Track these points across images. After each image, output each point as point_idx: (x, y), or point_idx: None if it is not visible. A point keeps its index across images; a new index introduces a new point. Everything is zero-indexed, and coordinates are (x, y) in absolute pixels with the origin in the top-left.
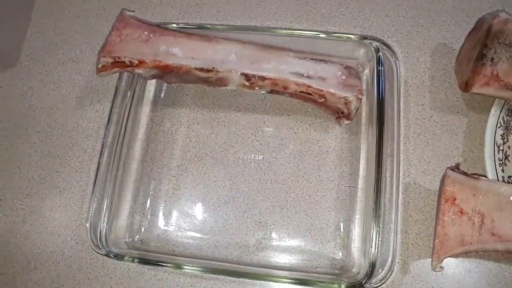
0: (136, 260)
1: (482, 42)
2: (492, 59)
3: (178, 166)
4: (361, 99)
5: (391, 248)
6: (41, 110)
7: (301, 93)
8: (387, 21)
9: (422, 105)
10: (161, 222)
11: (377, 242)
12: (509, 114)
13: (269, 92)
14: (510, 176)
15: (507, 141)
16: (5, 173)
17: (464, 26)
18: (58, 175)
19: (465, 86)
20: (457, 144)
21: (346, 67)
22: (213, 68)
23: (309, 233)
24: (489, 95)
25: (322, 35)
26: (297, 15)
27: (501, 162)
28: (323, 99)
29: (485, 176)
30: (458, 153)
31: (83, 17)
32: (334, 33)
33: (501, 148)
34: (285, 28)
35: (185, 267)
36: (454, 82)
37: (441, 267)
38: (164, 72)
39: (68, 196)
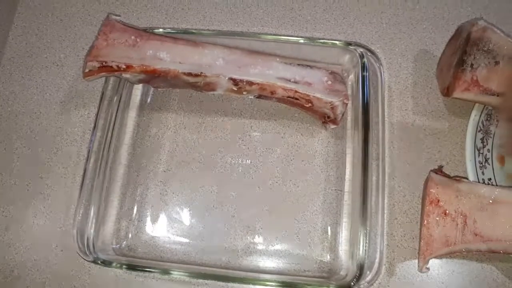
0: (124, 266)
1: (462, 48)
2: (472, 65)
3: (165, 171)
4: (346, 104)
5: (378, 250)
6: (23, 115)
7: (288, 98)
8: (371, 28)
9: (405, 110)
10: (148, 228)
11: (364, 244)
12: (488, 119)
13: (256, 97)
14: (490, 178)
15: (487, 144)
16: None
17: (444, 33)
18: (42, 181)
19: (447, 91)
20: (439, 148)
21: (332, 73)
22: (201, 73)
23: (297, 236)
24: (470, 100)
25: (307, 41)
26: (283, 21)
27: (481, 165)
28: (309, 104)
29: (467, 178)
30: (441, 157)
31: (67, 21)
32: (319, 39)
33: (481, 151)
34: (271, 34)
35: (173, 272)
36: (435, 88)
37: (427, 268)
38: (151, 77)
39: (53, 203)
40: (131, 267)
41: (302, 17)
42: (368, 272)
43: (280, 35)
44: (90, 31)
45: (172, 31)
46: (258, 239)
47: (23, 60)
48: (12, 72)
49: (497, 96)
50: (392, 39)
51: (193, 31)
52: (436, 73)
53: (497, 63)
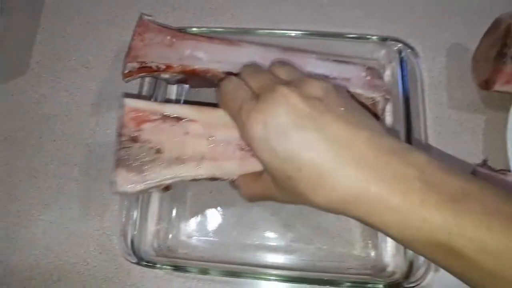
0: (168, 267)
1: (502, 41)
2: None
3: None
4: (388, 99)
5: None
6: (55, 118)
7: None
8: (402, 23)
9: (440, 104)
10: (188, 228)
11: None
12: None
13: None
14: None
15: None
16: (21, 183)
17: (477, 26)
18: (77, 184)
19: (486, 85)
20: (477, 142)
21: (369, 68)
22: None
23: (338, 234)
24: (510, 92)
25: (342, 37)
26: (312, 18)
27: None
28: None
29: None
30: (479, 151)
31: (93, 23)
32: (355, 34)
33: None
34: (305, 30)
35: (215, 272)
36: (470, 81)
37: None
38: (190, 77)
39: (88, 205)
40: (176, 268)
41: (331, 13)
42: (417, 269)
43: (314, 31)
44: (117, 32)
45: (206, 31)
46: (298, 237)
47: (52, 63)
48: (41, 75)
49: None
50: (424, 33)
51: (224, 30)
52: (472, 66)
53: None
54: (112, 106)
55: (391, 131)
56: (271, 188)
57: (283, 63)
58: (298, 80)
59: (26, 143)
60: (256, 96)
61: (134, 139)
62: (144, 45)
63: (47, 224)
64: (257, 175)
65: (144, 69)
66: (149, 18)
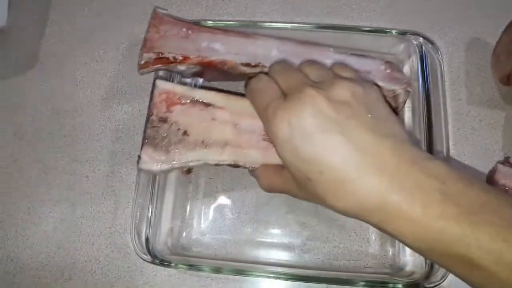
0: (183, 266)
1: None
2: None
3: (215, 167)
4: (409, 92)
5: None
6: (65, 113)
7: None
8: (419, 16)
9: (459, 100)
10: (201, 226)
11: None
12: None
13: None
14: None
15: None
16: (31, 179)
17: (496, 20)
18: (88, 181)
19: (507, 80)
20: (497, 138)
21: (387, 62)
22: (259, 63)
23: (354, 232)
24: None
25: (360, 30)
26: (327, 11)
27: None
28: None
29: None
30: (499, 147)
31: (104, 16)
32: (374, 28)
33: None
34: (320, 24)
35: (230, 271)
36: (489, 77)
37: None
38: (206, 69)
39: (100, 202)
40: (190, 267)
41: (347, 6)
42: (438, 268)
43: (332, 25)
44: (128, 25)
45: (221, 24)
46: (314, 235)
47: (61, 57)
48: (50, 70)
49: None
50: (441, 28)
51: (239, 23)
52: (492, 61)
53: None
54: (124, 101)
55: (411, 136)
56: (291, 184)
57: (313, 61)
58: (327, 82)
59: (36, 139)
60: (284, 95)
61: (163, 120)
62: (160, 37)
63: (58, 221)
64: (279, 168)
65: (161, 60)
66: (163, 11)
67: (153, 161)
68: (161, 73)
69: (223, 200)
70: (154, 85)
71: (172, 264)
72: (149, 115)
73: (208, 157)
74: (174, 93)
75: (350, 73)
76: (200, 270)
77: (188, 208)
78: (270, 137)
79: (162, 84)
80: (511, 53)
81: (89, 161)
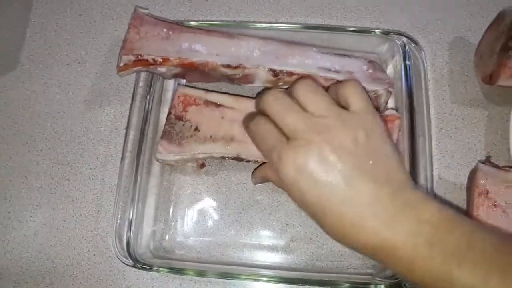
0: (165, 269)
1: (506, 34)
2: None
3: (201, 169)
4: (391, 92)
5: None
6: (46, 115)
7: None
8: (403, 15)
9: (443, 99)
10: (184, 229)
11: None
12: None
13: None
14: None
15: None
16: (11, 183)
17: (479, 19)
18: (70, 184)
19: (490, 79)
20: (479, 138)
21: (370, 61)
22: (240, 64)
23: None
24: None
25: (345, 30)
26: (312, 11)
27: None
28: None
29: None
30: (481, 146)
31: (86, 16)
32: (358, 28)
33: None
34: (305, 24)
35: (213, 274)
36: (473, 76)
37: None
38: (188, 70)
39: (82, 206)
40: (172, 270)
41: (331, 6)
42: None
43: (315, 25)
44: (111, 26)
45: (204, 24)
46: (297, 236)
47: (43, 58)
48: (32, 71)
49: None
50: (425, 27)
51: (222, 23)
52: (475, 60)
53: None
54: (106, 103)
55: (409, 175)
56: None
57: (311, 87)
58: (331, 124)
59: (16, 142)
60: (288, 138)
61: (179, 118)
62: (140, 38)
63: (39, 225)
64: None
65: (140, 62)
66: (145, 11)
67: (167, 152)
68: (143, 74)
69: (206, 202)
70: (174, 89)
71: (154, 268)
72: (169, 114)
73: (214, 150)
74: (190, 95)
75: (356, 97)
76: (182, 273)
77: (171, 210)
78: (277, 178)
79: (181, 89)
80: (493, 52)
81: (71, 164)
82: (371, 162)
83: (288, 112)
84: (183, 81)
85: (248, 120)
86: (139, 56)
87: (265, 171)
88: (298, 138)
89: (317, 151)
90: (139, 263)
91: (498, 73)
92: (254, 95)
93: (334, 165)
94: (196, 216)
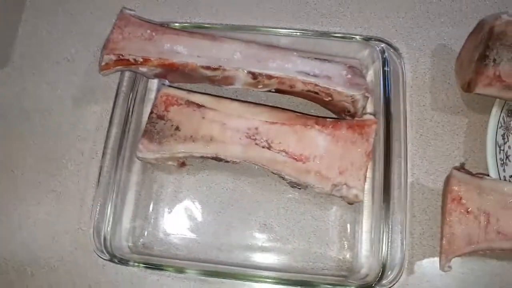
0: (141, 265)
1: (485, 43)
2: (494, 60)
3: (180, 168)
4: (368, 98)
5: (400, 249)
6: (35, 112)
7: (308, 92)
8: (387, 22)
9: (423, 105)
10: (164, 226)
11: (387, 244)
12: (510, 115)
13: (275, 91)
14: (511, 176)
15: (508, 141)
16: None
17: (462, 27)
18: (55, 179)
19: (468, 87)
20: (458, 144)
21: (350, 67)
22: (220, 66)
23: (314, 234)
24: (492, 95)
25: (326, 35)
26: (298, 15)
27: (502, 162)
28: (329, 98)
29: (488, 175)
30: (460, 153)
31: (77, 16)
32: (338, 33)
33: (502, 148)
34: (289, 28)
35: (190, 271)
36: (454, 83)
37: (449, 267)
38: (169, 71)
39: (66, 200)
40: (149, 266)
41: (317, 11)
42: (390, 272)
43: (298, 30)
44: (101, 25)
45: (189, 26)
46: (274, 237)
47: (34, 56)
48: (22, 69)
49: None
50: (409, 34)
51: (208, 25)
52: (456, 68)
53: None
54: (93, 101)
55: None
56: None
57: None
58: None
59: (5, 137)
60: None
61: (161, 117)
62: (123, 38)
63: (23, 218)
64: None
65: (121, 61)
66: (131, 12)
67: (147, 150)
68: (127, 73)
69: (187, 201)
70: (158, 89)
71: (130, 263)
72: (150, 113)
73: (194, 149)
74: (173, 95)
75: None
76: (159, 269)
77: (151, 208)
78: None
79: (164, 88)
80: (472, 61)
81: (56, 159)
82: None
83: None
84: (167, 81)
85: None
86: (120, 56)
87: None
88: None
89: None
90: (115, 258)
91: (476, 81)
92: (237, 96)
93: None
94: (176, 214)
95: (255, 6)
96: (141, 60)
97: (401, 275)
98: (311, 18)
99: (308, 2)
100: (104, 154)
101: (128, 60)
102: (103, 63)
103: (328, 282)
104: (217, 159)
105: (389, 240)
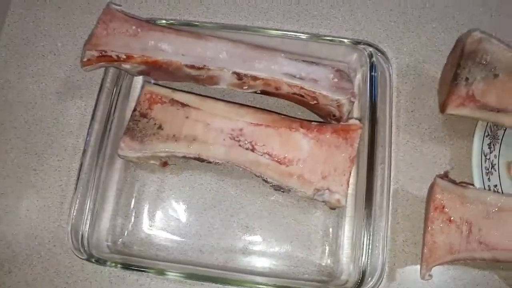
0: (119, 265)
1: (457, 62)
2: (467, 79)
3: (163, 167)
4: (353, 102)
5: (381, 256)
6: (18, 105)
7: (293, 95)
8: (379, 26)
9: (411, 111)
10: (144, 225)
11: (367, 250)
12: (496, 124)
13: (260, 93)
14: (496, 185)
15: (494, 150)
16: None
17: (454, 34)
18: (36, 174)
19: (442, 107)
20: (444, 152)
21: (338, 70)
22: (204, 65)
23: (296, 238)
24: (466, 116)
25: (314, 38)
26: (288, 16)
27: (487, 171)
28: (315, 101)
29: (473, 185)
30: (446, 161)
31: (65, 9)
32: (327, 36)
33: (487, 157)
34: (278, 29)
35: (169, 273)
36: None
37: (430, 275)
38: (152, 68)
39: (46, 196)
40: (127, 267)
41: (308, 12)
42: (370, 278)
43: (287, 31)
44: (89, 19)
45: (175, 23)
46: (256, 240)
47: (19, 48)
48: (7, 60)
49: (497, 112)
50: (400, 38)
51: (197, 23)
52: (438, 88)
53: (496, 76)
54: (78, 95)
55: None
56: None
57: None
58: None
59: None
60: None
61: (144, 115)
62: (107, 34)
63: (2, 213)
64: None
65: (104, 57)
66: (117, 7)
67: (128, 148)
68: (111, 69)
69: (169, 201)
70: (142, 86)
71: (108, 263)
72: (134, 110)
73: (176, 149)
74: (157, 93)
75: None
76: (137, 270)
77: (132, 206)
78: None
79: (148, 86)
80: (446, 84)
81: (38, 154)
82: None
83: None
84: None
85: None
86: (103, 52)
87: None
88: None
89: None
90: (92, 258)
91: (447, 101)
92: (224, 97)
93: None
94: (158, 214)
95: (246, 4)
96: (124, 57)
97: (381, 282)
98: (301, 19)
99: (300, 2)
100: (85, 150)
101: (110, 56)
102: (85, 59)
103: (306, 286)
104: (200, 159)
105: (370, 246)
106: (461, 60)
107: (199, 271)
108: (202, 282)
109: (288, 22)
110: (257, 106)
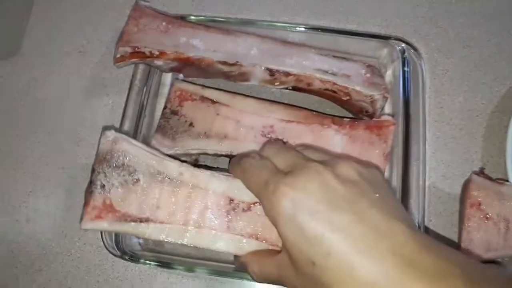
0: (152, 262)
1: (92, 167)
2: (103, 186)
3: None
4: (387, 98)
5: None
6: (45, 103)
7: (325, 91)
8: (406, 21)
9: (441, 107)
10: None
11: None
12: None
13: (291, 89)
14: None
15: None
16: (7, 168)
17: (482, 28)
18: (64, 172)
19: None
20: (476, 148)
21: (369, 66)
22: (237, 62)
23: None
24: (105, 230)
25: (345, 33)
26: (315, 11)
27: None
28: (347, 97)
29: (508, 181)
30: (478, 157)
31: (89, 6)
32: (358, 32)
33: None
34: (306, 25)
35: (200, 270)
36: (473, 85)
37: None
38: (184, 65)
39: (75, 194)
40: (159, 264)
41: (334, 8)
42: None
43: (316, 27)
44: (113, 17)
45: (204, 19)
46: None
47: (45, 46)
48: (33, 58)
49: (146, 222)
50: (428, 34)
51: (222, 19)
52: None
53: (137, 180)
54: (104, 93)
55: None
56: (288, 271)
57: (309, 145)
58: (330, 161)
59: (14, 127)
60: (285, 173)
61: (174, 112)
62: (138, 30)
63: (31, 211)
64: (272, 252)
65: (137, 54)
66: (146, 3)
67: (160, 146)
68: (141, 66)
69: None
70: (171, 84)
71: (141, 261)
72: (164, 108)
73: (207, 147)
74: (187, 90)
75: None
76: (170, 268)
77: None
78: (270, 216)
79: (177, 83)
80: None
81: (66, 152)
82: (377, 195)
83: (287, 151)
84: (181, 75)
85: (238, 158)
86: (136, 48)
87: (262, 262)
88: (297, 168)
89: (318, 178)
90: (126, 255)
91: (82, 214)
92: (252, 94)
93: (340, 192)
94: None
95: (271, 1)
96: (157, 53)
97: None
98: (328, 15)
99: None
100: None
101: (143, 52)
102: (118, 55)
103: None
104: (231, 157)
105: None
106: (95, 164)
107: (229, 269)
108: (233, 280)
109: (315, 17)
110: (286, 102)
